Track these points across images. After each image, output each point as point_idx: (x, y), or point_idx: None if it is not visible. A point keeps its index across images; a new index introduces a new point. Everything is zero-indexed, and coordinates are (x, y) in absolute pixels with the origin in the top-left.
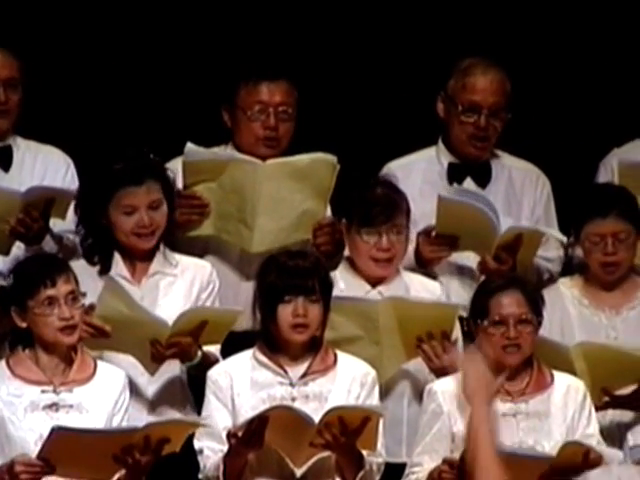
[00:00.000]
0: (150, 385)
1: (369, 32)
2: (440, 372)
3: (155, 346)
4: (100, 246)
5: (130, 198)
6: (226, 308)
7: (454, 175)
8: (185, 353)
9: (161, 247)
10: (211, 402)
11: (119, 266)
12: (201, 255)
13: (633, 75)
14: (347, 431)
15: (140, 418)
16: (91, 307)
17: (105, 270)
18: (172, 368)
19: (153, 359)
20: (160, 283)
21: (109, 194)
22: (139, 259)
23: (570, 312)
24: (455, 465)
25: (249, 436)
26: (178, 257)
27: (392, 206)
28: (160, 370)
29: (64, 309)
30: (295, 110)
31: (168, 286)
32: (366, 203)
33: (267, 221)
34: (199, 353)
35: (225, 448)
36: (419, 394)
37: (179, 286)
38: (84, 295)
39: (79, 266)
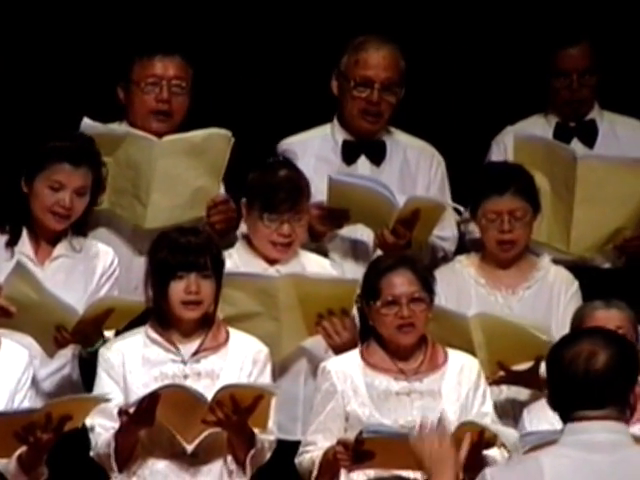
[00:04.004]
0: (42, 368)
1: (264, 9)
2: (339, 349)
3: (61, 332)
4: (13, 214)
5: (62, 175)
6: (135, 299)
7: (348, 153)
8: (88, 339)
9: (69, 232)
10: (102, 379)
11: (25, 245)
12: (93, 229)
13: (522, 55)
14: (239, 409)
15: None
16: None
17: (13, 242)
18: (64, 351)
19: (56, 343)
20: (62, 267)
21: (43, 163)
22: (45, 240)
23: (466, 291)
24: (349, 446)
25: (140, 413)
26: (82, 242)
27: (296, 192)
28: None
29: None
30: (189, 85)
31: (70, 270)
32: (270, 188)
33: (161, 198)
34: (100, 339)
35: (116, 425)
36: (315, 372)
37: (81, 271)
38: None
39: None
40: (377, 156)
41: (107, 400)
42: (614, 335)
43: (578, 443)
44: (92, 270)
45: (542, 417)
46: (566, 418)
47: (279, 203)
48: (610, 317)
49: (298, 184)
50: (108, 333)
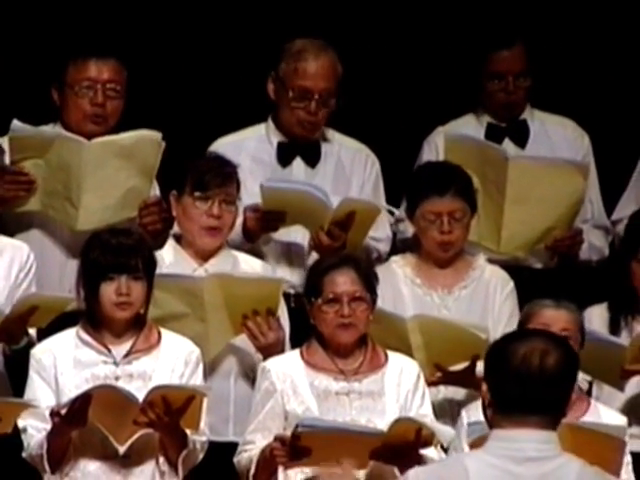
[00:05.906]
0: None
1: (198, 9)
2: (266, 350)
3: None
4: None
5: None
6: (60, 295)
7: (284, 155)
8: (13, 337)
9: None
10: (34, 381)
11: None
12: (26, 230)
13: (452, 55)
14: (170, 410)
15: None
16: None
17: None
18: None
19: None
20: None
21: None
22: None
23: (402, 291)
24: (286, 442)
25: (72, 414)
26: None
27: (225, 174)
28: None
29: None
30: (124, 88)
31: None
32: (200, 170)
33: (92, 199)
34: (25, 337)
35: (49, 426)
36: (246, 372)
37: None
38: None
39: None
40: (312, 158)
41: (34, 406)
42: (559, 337)
43: (506, 453)
44: (8, 265)
45: (480, 416)
46: (499, 420)
47: (209, 180)
48: (558, 317)
49: (226, 168)
50: (31, 331)
